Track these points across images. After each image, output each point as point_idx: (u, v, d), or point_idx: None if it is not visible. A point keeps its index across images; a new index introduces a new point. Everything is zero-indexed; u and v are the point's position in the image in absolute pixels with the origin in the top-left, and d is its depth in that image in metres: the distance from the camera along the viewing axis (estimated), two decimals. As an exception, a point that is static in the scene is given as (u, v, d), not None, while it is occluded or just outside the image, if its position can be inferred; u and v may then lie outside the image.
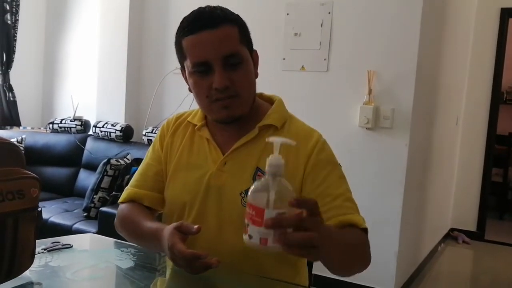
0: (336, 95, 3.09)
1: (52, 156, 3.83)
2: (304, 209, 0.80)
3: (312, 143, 1.19)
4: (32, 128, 4.18)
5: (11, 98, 4.13)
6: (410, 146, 2.92)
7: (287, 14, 3.21)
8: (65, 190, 3.74)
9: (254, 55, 1.21)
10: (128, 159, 3.32)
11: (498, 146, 5.40)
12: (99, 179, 3.20)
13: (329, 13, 3.07)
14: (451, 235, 4.75)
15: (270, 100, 1.30)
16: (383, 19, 2.94)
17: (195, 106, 1.27)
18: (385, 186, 2.97)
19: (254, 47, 1.22)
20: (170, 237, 1.01)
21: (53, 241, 1.27)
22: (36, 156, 3.73)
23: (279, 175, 0.80)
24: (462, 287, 3.78)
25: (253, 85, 1.20)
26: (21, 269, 1.02)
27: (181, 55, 1.18)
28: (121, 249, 1.28)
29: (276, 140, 0.84)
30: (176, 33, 1.17)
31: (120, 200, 1.33)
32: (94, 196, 3.17)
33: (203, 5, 1.16)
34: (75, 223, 3.04)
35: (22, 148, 3.69)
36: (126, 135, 3.65)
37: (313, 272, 1.35)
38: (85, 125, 3.90)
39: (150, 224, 1.17)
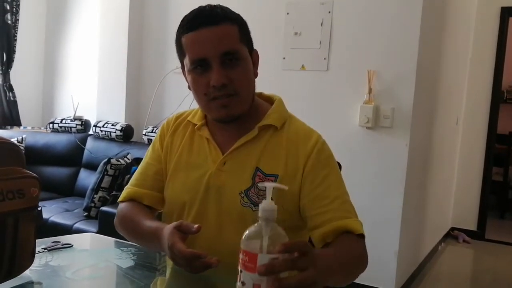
0: (336, 94, 3.09)
1: (52, 155, 3.84)
2: (295, 252, 0.79)
3: (312, 143, 1.19)
4: (32, 128, 4.19)
5: (12, 98, 4.13)
6: (410, 145, 2.92)
7: (287, 13, 3.21)
8: (65, 189, 3.74)
9: (254, 55, 1.21)
10: (128, 159, 3.32)
11: (499, 145, 5.39)
12: (100, 178, 3.21)
13: (329, 12, 3.07)
14: (451, 235, 4.75)
15: (269, 100, 1.30)
16: (383, 18, 2.94)
17: (195, 105, 1.27)
18: (385, 186, 2.97)
19: (254, 47, 1.22)
20: (170, 237, 1.02)
21: (53, 241, 1.27)
22: (36, 156, 3.73)
23: (272, 220, 0.80)
24: (463, 286, 3.77)
25: (252, 84, 1.19)
26: (21, 268, 1.02)
27: (181, 53, 1.18)
28: (121, 248, 1.28)
29: (268, 185, 0.84)
30: (177, 31, 1.17)
31: (120, 199, 1.33)
32: (95, 196, 3.17)
33: (204, 4, 1.17)
34: (75, 223, 3.04)
35: (22, 148, 3.70)
36: (126, 134, 3.65)
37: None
38: (85, 124, 3.91)
39: (150, 223, 1.17)
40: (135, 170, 1.38)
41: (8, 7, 4.04)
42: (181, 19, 1.17)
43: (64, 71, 4.37)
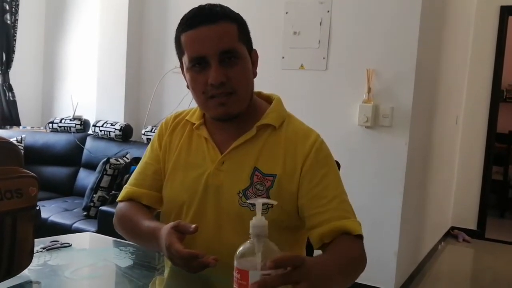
0: (335, 93, 3.09)
1: (51, 155, 3.84)
2: (288, 267, 0.78)
3: (310, 143, 1.19)
4: (31, 127, 4.19)
5: (11, 98, 4.13)
6: (410, 144, 2.91)
7: (286, 12, 3.20)
8: (64, 189, 3.74)
9: (253, 55, 1.21)
10: (127, 158, 3.32)
11: (498, 144, 5.39)
12: (99, 178, 3.21)
13: (328, 11, 3.07)
14: (451, 234, 4.75)
15: (268, 99, 1.29)
16: (383, 17, 2.93)
17: (194, 105, 1.26)
18: (384, 185, 2.96)
19: (253, 46, 1.22)
20: (168, 237, 1.01)
21: (52, 240, 1.27)
22: (35, 155, 3.73)
23: (263, 236, 0.80)
24: (463, 285, 3.77)
25: (250, 83, 1.19)
26: (20, 268, 1.03)
27: (180, 51, 1.18)
28: (120, 248, 1.28)
29: (258, 201, 0.84)
30: (176, 29, 1.18)
31: (118, 199, 1.33)
32: (94, 195, 3.17)
33: (203, 3, 1.17)
34: (74, 222, 3.04)
35: (22, 148, 3.70)
36: (126, 134, 3.65)
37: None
38: (84, 124, 3.91)
39: (148, 223, 1.17)
40: (134, 170, 1.38)
41: (7, 7, 4.04)
42: (180, 18, 1.17)
43: (63, 71, 4.37)
